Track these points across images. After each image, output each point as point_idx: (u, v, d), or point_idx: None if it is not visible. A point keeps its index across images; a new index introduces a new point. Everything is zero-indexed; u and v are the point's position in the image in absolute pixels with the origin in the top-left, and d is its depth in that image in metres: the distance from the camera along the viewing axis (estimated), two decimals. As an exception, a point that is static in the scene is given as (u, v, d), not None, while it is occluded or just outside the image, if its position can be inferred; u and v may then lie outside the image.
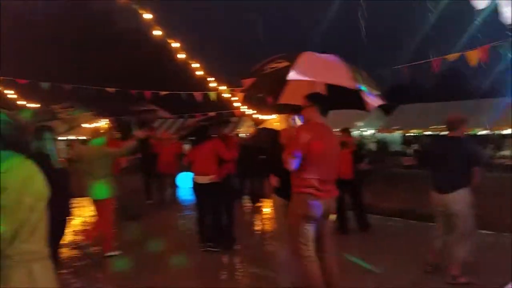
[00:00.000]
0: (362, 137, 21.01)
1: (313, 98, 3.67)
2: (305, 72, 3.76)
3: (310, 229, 3.47)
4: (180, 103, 13.91)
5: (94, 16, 33.64)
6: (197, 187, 5.85)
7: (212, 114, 14.33)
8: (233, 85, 12.86)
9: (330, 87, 4.35)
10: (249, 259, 5.51)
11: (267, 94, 5.42)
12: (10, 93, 12.60)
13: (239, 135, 17.00)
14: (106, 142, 5.95)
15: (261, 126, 22.12)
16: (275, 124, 22.62)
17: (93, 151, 5.55)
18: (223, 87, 12.53)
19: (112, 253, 5.61)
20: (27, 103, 12.56)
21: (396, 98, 23.27)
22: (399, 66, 9.65)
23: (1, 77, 11.11)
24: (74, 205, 4.77)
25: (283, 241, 3.91)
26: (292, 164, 3.41)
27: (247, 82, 4.39)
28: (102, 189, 5.43)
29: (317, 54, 4.07)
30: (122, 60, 30.47)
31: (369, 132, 21.50)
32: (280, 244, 3.94)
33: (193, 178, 5.88)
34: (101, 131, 5.96)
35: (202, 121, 6.45)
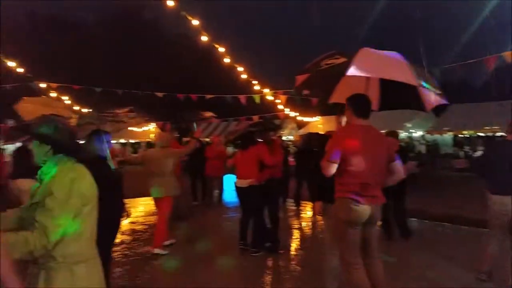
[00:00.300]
0: (411, 138, 20.33)
1: (349, 100, 3.54)
2: (365, 68, 3.61)
3: (354, 235, 3.36)
4: (225, 107, 14.13)
5: (143, 24, 34.97)
6: (238, 190, 5.98)
7: (256, 118, 14.43)
8: (276, 88, 12.90)
9: (385, 86, 4.26)
10: (294, 263, 5.50)
11: (319, 91, 5.24)
12: (65, 99, 13.35)
13: (282, 138, 16.95)
14: (170, 144, 6.38)
15: (304, 129, 21.97)
16: (318, 126, 22.44)
17: (160, 152, 5.99)
18: (267, 90, 12.58)
19: (160, 252, 5.85)
20: (81, 108, 13.23)
21: (446, 98, 22.33)
22: (450, 65, 9.26)
23: (57, 84, 11.78)
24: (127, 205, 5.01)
25: (330, 245, 3.82)
26: (328, 169, 3.33)
27: (300, 78, 4.23)
28: (165, 187, 5.90)
29: (376, 51, 3.92)
30: (170, 66, 31.41)
31: (418, 133, 20.76)
32: (328, 249, 3.85)
33: (235, 182, 6.02)
34: (166, 134, 6.46)
35: (251, 127, 6.49)
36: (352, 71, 3.44)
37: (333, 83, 4.41)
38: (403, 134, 18.68)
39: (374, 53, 3.88)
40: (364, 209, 3.29)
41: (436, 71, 7.50)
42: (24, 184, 6.16)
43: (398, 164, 3.49)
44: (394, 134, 6.65)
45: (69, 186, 2.00)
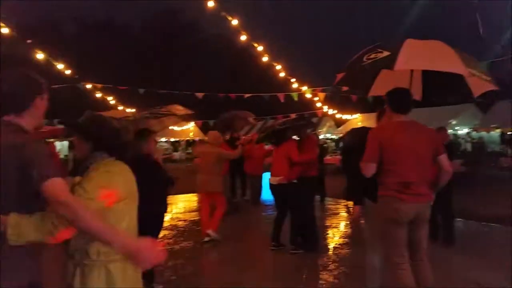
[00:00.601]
0: (456, 136, 19.57)
1: (388, 95, 3.43)
2: (413, 61, 3.50)
3: (399, 234, 3.26)
4: (263, 105, 14.20)
5: (184, 25, 35.68)
6: (271, 188, 6.02)
7: (292, 115, 14.40)
8: (315, 85, 12.81)
9: (429, 75, 4.13)
10: (333, 262, 5.45)
11: (360, 87, 5.03)
12: (110, 99, 13.87)
13: (320, 136, 16.79)
14: (221, 144, 6.88)
15: (343, 127, 21.62)
16: (358, 124, 22.13)
17: (210, 151, 6.45)
18: (305, 88, 12.51)
19: (213, 235, 6.30)
20: (126, 107, 13.72)
21: (494, 94, 21.31)
22: (498, 59, 8.86)
23: (102, 84, 12.25)
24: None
25: (372, 244, 3.73)
26: (367, 170, 3.25)
27: (340, 75, 4.16)
28: (216, 184, 6.34)
29: (421, 41, 3.77)
30: (210, 66, 31.87)
31: (463, 131, 19.95)
32: (370, 248, 3.76)
33: (269, 179, 6.07)
34: (218, 134, 6.83)
35: (282, 124, 6.52)
36: (399, 65, 3.32)
37: (374, 78, 4.31)
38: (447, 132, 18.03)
39: (419, 44, 3.73)
40: (408, 207, 3.19)
41: (483, 65, 7.17)
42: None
43: (444, 158, 3.32)
44: (442, 130, 6.34)
45: (101, 179, 1.98)
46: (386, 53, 3.55)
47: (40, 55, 8.64)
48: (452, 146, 6.42)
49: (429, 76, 4.12)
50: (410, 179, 3.19)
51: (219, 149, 6.58)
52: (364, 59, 3.70)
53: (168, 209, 8.27)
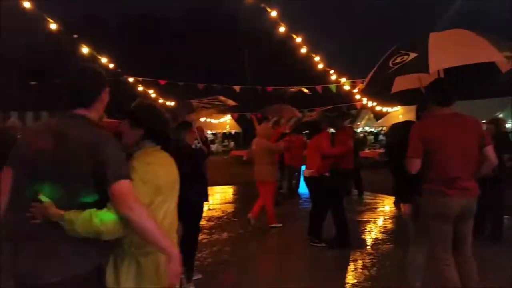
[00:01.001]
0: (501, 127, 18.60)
1: (427, 88, 3.33)
2: (445, 58, 3.32)
3: (444, 229, 3.17)
4: (301, 97, 14.08)
5: (222, 17, 35.89)
6: (304, 180, 6.06)
7: (328, 107, 14.20)
8: (354, 77, 12.53)
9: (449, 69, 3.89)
10: (373, 256, 5.36)
11: (382, 83, 4.81)
12: (151, 92, 14.18)
13: (358, 129, 16.47)
14: (271, 137, 7.16)
15: (383, 120, 21.01)
16: (399, 116, 21.45)
17: (261, 143, 6.83)
18: (344, 79, 12.27)
19: (275, 225, 6.82)
20: (166, 100, 14.00)
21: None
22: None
23: (143, 78, 12.53)
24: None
25: (415, 240, 3.64)
26: (411, 165, 3.18)
27: (364, 83, 4.18)
28: (266, 173, 6.69)
29: (444, 33, 3.60)
30: (248, 59, 31.94)
31: (510, 124, 18.95)
32: (413, 243, 3.67)
33: (303, 171, 6.14)
34: (268, 127, 7.23)
35: (315, 115, 6.50)
36: (433, 67, 3.15)
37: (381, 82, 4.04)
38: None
39: (445, 37, 3.54)
40: (454, 202, 3.10)
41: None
42: None
43: (490, 149, 3.18)
44: (493, 122, 6.02)
45: (143, 169, 1.97)
46: (413, 55, 3.36)
47: (85, 49, 8.95)
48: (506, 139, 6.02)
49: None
50: (456, 174, 3.10)
51: (266, 142, 6.85)
52: (390, 64, 3.50)
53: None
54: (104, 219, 1.74)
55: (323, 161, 5.73)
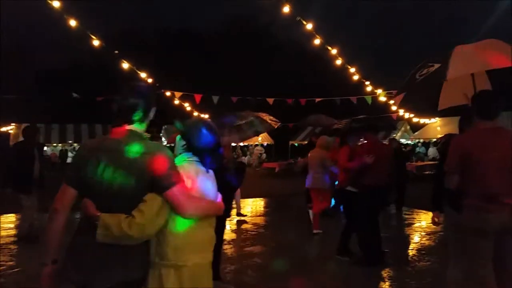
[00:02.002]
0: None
1: (474, 99, 3.23)
2: (464, 66, 3.48)
3: (484, 246, 3.07)
4: (336, 109, 14.00)
5: (257, 31, 36.35)
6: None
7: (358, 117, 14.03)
8: (390, 88, 12.34)
9: (496, 81, 3.97)
10: (409, 274, 5.19)
11: (422, 105, 4.95)
12: (186, 105, 14.52)
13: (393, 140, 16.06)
14: (330, 149, 7.15)
15: (420, 132, 20.46)
16: (437, 129, 20.77)
17: (316, 155, 7.08)
18: (379, 91, 12.11)
19: (318, 231, 7.14)
20: (200, 113, 14.28)
21: None
22: None
23: (180, 92, 12.86)
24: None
25: (455, 257, 3.51)
26: (449, 181, 3.14)
27: (398, 99, 4.26)
28: (320, 180, 6.90)
29: (471, 45, 3.74)
30: (283, 71, 32.13)
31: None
32: (453, 260, 3.54)
33: None
34: (327, 140, 7.24)
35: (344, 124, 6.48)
36: (451, 73, 3.30)
37: (433, 92, 4.22)
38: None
39: (470, 48, 3.68)
40: (494, 218, 3.00)
41: None
42: None
43: None
44: None
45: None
46: (436, 66, 3.53)
47: (125, 65, 9.32)
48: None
49: (496, 78, 3.93)
50: (495, 190, 3.01)
51: (323, 155, 6.97)
52: (417, 76, 3.70)
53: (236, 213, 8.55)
54: (131, 223, 1.89)
55: (344, 174, 5.66)
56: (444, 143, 5.14)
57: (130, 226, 1.87)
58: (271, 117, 5.95)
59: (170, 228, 2.06)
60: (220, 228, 4.51)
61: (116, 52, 8.97)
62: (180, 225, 2.08)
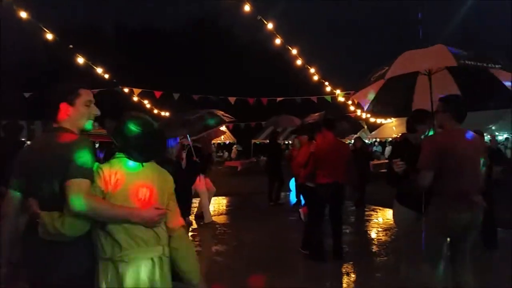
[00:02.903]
0: (495, 141, 18.79)
1: (446, 103, 3.35)
2: (402, 67, 3.84)
3: (441, 241, 3.25)
4: (296, 108, 14.17)
5: (218, 30, 36.15)
6: None
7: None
8: (348, 88, 12.66)
9: (464, 88, 4.26)
10: (360, 270, 5.36)
11: (398, 104, 5.24)
12: (146, 102, 14.21)
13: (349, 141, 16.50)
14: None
15: (376, 132, 21.13)
16: (392, 128, 21.48)
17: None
18: (338, 91, 12.41)
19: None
20: (160, 111, 14.04)
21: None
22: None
23: (139, 89, 12.58)
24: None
25: (407, 254, 3.65)
26: (424, 178, 3.19)
27: (357, 96, 4.58)
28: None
29: (420, 49, 4.08)
30: (244, 71, 32.14)
31: (503, 136, 19.15)
32: (405, 258, 3.68)
33: None
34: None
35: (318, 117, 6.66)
36: (389, 74, 3.69)
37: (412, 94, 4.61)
38: (487, 137, 17.33)
39: (413, 52, 4.06)
40: (464, 216, 3.16)
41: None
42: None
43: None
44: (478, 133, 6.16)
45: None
46: (386, 68, 3.87)
47: (80, 60, 8.99)
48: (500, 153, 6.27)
49: (465, 83, 4.25)
50: (467, 187, 3.17)
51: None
52: (371, 79, 4.07)
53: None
54: (63, 221, 1.96)
55: (304, 170, 5.81)
56: (399, 141, 5.40)
57: (63, 224, 1.95)
58: (223, 113, 6.04)
59: (108, 223, 2.04)
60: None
61: (71, 46, 8.63)
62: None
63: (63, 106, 2.16)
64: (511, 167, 13.26)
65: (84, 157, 2.02)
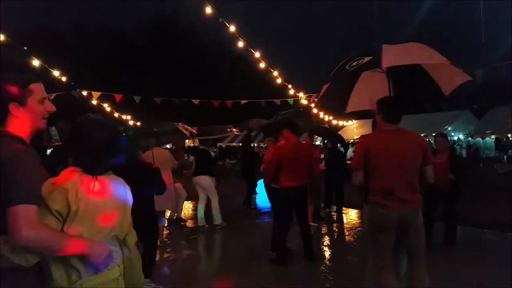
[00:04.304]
0: (451, 142, 19.68)
1: (379, 105, 3.49)
2: (398, 57, 3.80)
3: (383, 239, 3.32)
4: (259, 111, 14.22)
5: (180, 31, 35.72)
6: None
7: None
8: (311, 91, 12.84)
9: (400, 87, 4.38)
10: (327, 271, 5.43)
11: (338, 101, 5.28)
12: (106, 106, 13.77)
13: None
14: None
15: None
16: (354, 130, 21.96)
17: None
18: (301, 94, 12.54)
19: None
20: (121, 115, 13.66)
21: (489, 100, 21.46)
22: (495, 65, 8.94)
23: (98, 92, 12.18)
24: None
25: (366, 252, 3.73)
26: (354, 177, 3.38)
27: (324, 87, 4.47)
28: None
29: (396, 44, 4.14)
30: (206, 72, 31.93)
31: (459, 136, 20.07)
32: (364, 255, 3.78)
33: None
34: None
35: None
36: (386, 62, 3.64)
37: (349, 94, 4.64)
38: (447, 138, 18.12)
39: (396, 46, 4.10)
40: (392, 213, 3.24)
41: (479, 72, 7.26)
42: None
43: (429, 169, 3.41)
44: (440, 136, 6.41)
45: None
46: (367, 58, 3.87)
47: (35, 62, 8.60)
48: (455, 158, 6.58)
49: (400, 84, 4.39)
50: (393, 186, 3.25)
51: None
52: (347, 67, 4.00)
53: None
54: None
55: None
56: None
57: (13, 250, 1.66)
58: (187, 126, 6.38)
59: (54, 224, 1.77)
60: (153, 235, 4.47)
61: (25, 48, 8.23)
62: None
63: (12, 107, 1.82)
64: (468, 166, 13.86)
65: (28, 175, 1.67)
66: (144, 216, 4.14)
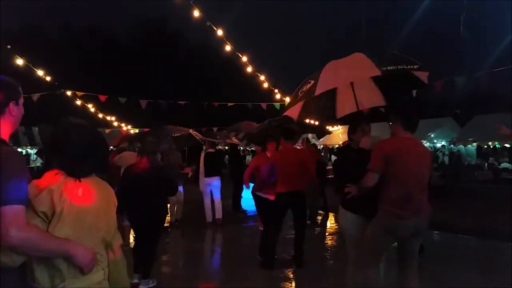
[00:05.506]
0: (434, 149, 19.96)
1: (399, 111, 3.50)
2: (329, 82, 4.01)
3: (386, 245, 3.36)
4: (247, 114, 14.24)
5: (168, 34, 35.60)
6: None
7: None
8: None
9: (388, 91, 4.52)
10: (311, 276, 5.44)
11: (319, 116, 5.51)
12: (90, 106, 13.63)
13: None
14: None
15: (325, 139, 21.67)
16: (339, 136, 22.08)
17: None
18: (288, 99, 12.62)
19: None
20: (105, 115, 13.54)
21: (472, 108, 21.85)
22: (478, 73, 9.13)
23: (83, 92, 12.06)
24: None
25: (355, 259, 3.73)
26: (369, 179, 3.30)
27: (290, 113, 4.59)
28: None
29: (339, 60, 4.25)
30: (194, 75, 31.86)
31: (441, 143, 20.37)
32: (353, 262, 3.76)
33: None
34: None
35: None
36: (318, 90, 3.87)
37: (334, 101, 4.75)
38: (426, 145, 18.35)
39: (336, 63, 4.24)
40: (408, 222, 3.24)
41: (462, 80, 7.40)
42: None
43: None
44: None
45: None
46: (312, 82, 4.05)
47: (19, 61, 8.48)
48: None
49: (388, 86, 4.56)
50: (412, 193, 3.26)
51: None
52: (299, 93, 4.21)
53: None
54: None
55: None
56: (341, 148, 5.60)
57: None
58: (196, 133, 6.78)
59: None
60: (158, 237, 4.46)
61: (9, 47, 8.11)
62: None
63: (11, 106, 1.80)
64: (450, 173, 14.09)
65: (16, 176, 1.64)
66: (156, 217, 4.14)
